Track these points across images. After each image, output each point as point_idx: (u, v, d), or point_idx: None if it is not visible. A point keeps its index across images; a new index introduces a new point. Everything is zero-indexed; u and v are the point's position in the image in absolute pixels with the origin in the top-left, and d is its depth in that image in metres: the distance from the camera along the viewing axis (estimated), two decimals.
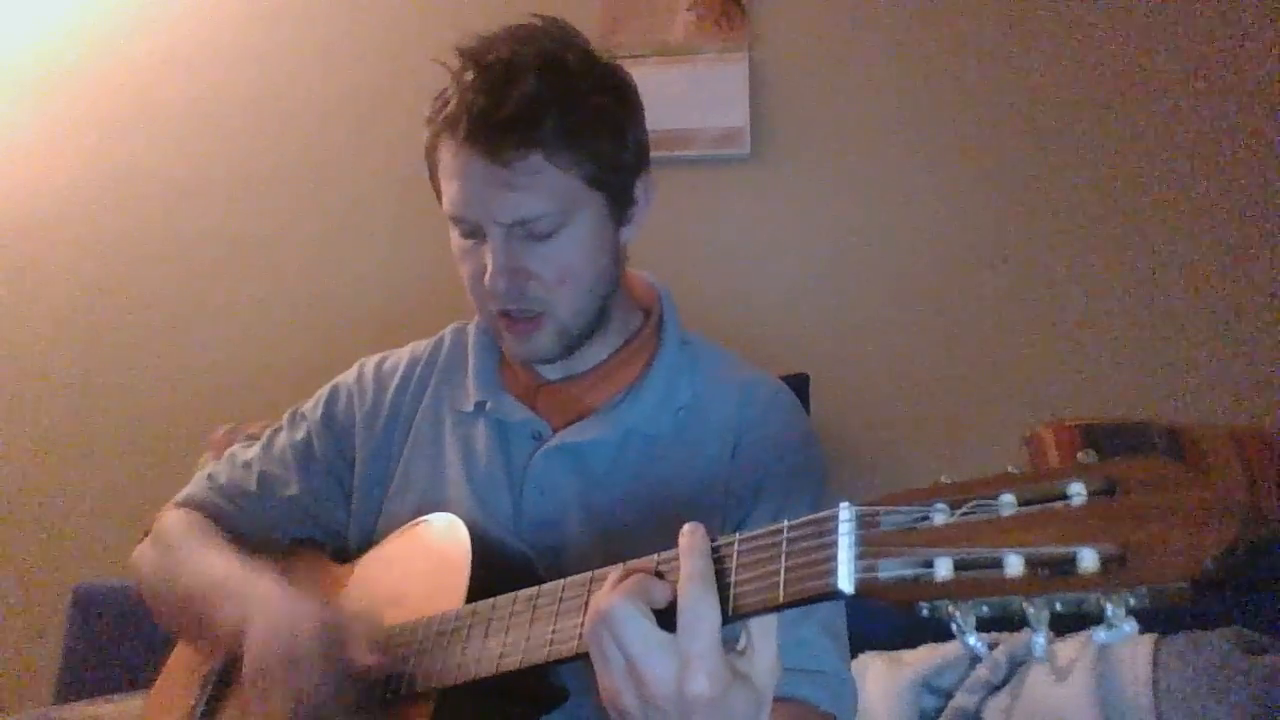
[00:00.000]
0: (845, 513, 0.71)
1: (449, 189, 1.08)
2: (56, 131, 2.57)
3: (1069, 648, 1.65)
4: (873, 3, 2.40)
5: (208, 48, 2.56)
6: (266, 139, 2.54)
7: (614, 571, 0.81)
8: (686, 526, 0.79)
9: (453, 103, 1.06)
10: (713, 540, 0.79)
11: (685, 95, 2.36)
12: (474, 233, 1.09)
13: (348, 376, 1.33)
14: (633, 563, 0.83)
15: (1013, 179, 2.35)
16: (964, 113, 2.37)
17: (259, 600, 1.04)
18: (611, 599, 0.76)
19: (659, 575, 0.79)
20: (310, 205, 2.52)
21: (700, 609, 0.74)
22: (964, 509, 0.65)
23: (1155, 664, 1.58)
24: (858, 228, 2.39)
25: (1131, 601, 0.58)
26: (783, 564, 0.74)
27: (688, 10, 2.40)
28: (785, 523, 0.76)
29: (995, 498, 0.64)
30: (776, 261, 2.40)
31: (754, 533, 0.78)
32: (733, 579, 0.76)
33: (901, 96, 2.39)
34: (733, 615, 0.75)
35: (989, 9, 2.37)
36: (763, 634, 0.76)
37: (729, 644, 0.76)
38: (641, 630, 0.74)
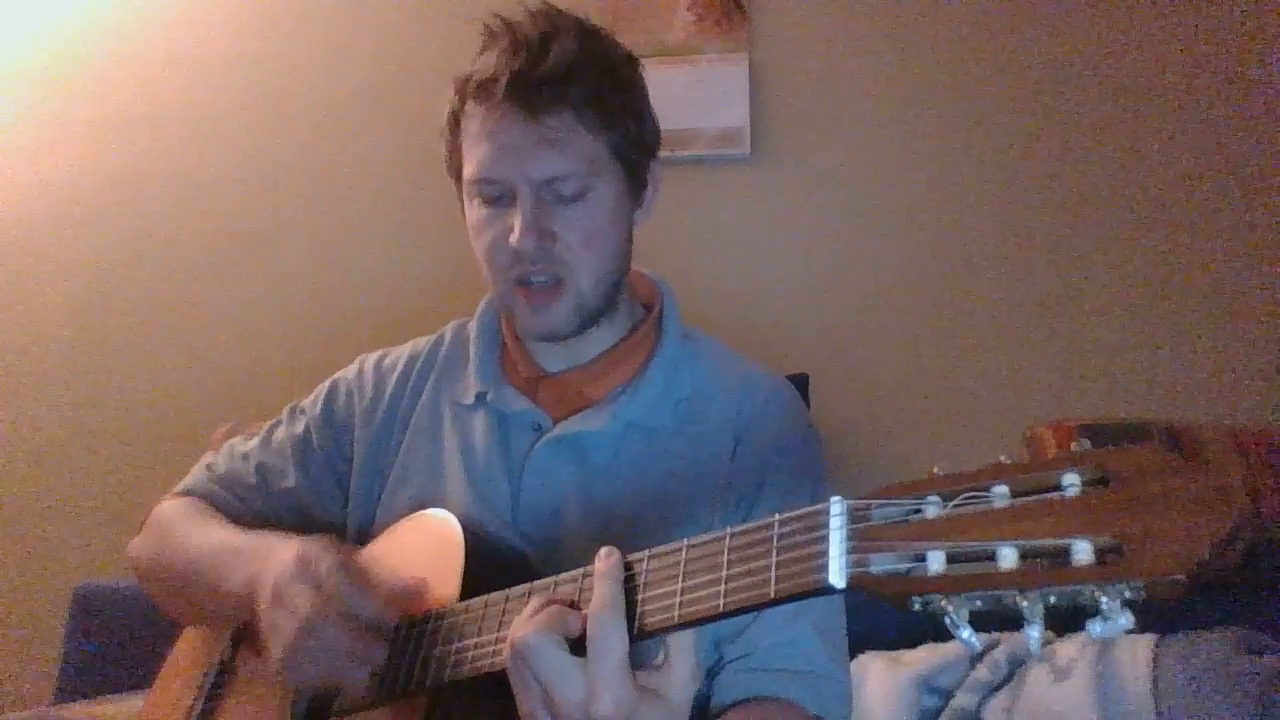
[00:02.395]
0: (836, 507, 0.71)
1: (478, 153, 1.10)
2: (56, 131, 2.57)
3: (1069, 647, 1.65)
4: (873, 3, 2.40)
5: (208, 48, 2.56)
6: (267, 139, 2.54)
7: (533, 600, 0.85)
8: (603, 551, 0.84)
9: (488, 68, 1.09)
10: (628, 561, 0.84)
11: (685, 95, 2.36)
12: (500, 197, 1.10)
13: (348, 372, 1.33)
14: (561, 576, 0.89)
15: (1013, 179, 2.34)
16: (964, 113, 2.36)
17: (265, 554, 1.04)
18: (526, 631, 0.81)
19: (573, 605, 0.85)
20: (310, 205, 2.52)
21: (607, 635, 0.79)
22: (956, 501, 0.65)
23: (1155, 664, 1.58)
24: (858, 228, 2.39)
25: (1127, 594, 0.57)
26: (774, 559, 0.74)
27: (688, 10, 2.40)
28: (776, 517, 0.76)
29: (988, 489, 0.64)
30: (776, 261, 2.40)
31: (745, 528, 0.78)
32: (640, 596, 0.81)
33: (901, 96, 2.39)
34: (639, 634, 0.80)
35: (989, 9, 2.37)
36: (680, 649, 0.81)
37: (648, 661, 0.81)
38: (553, 659, 0.79)
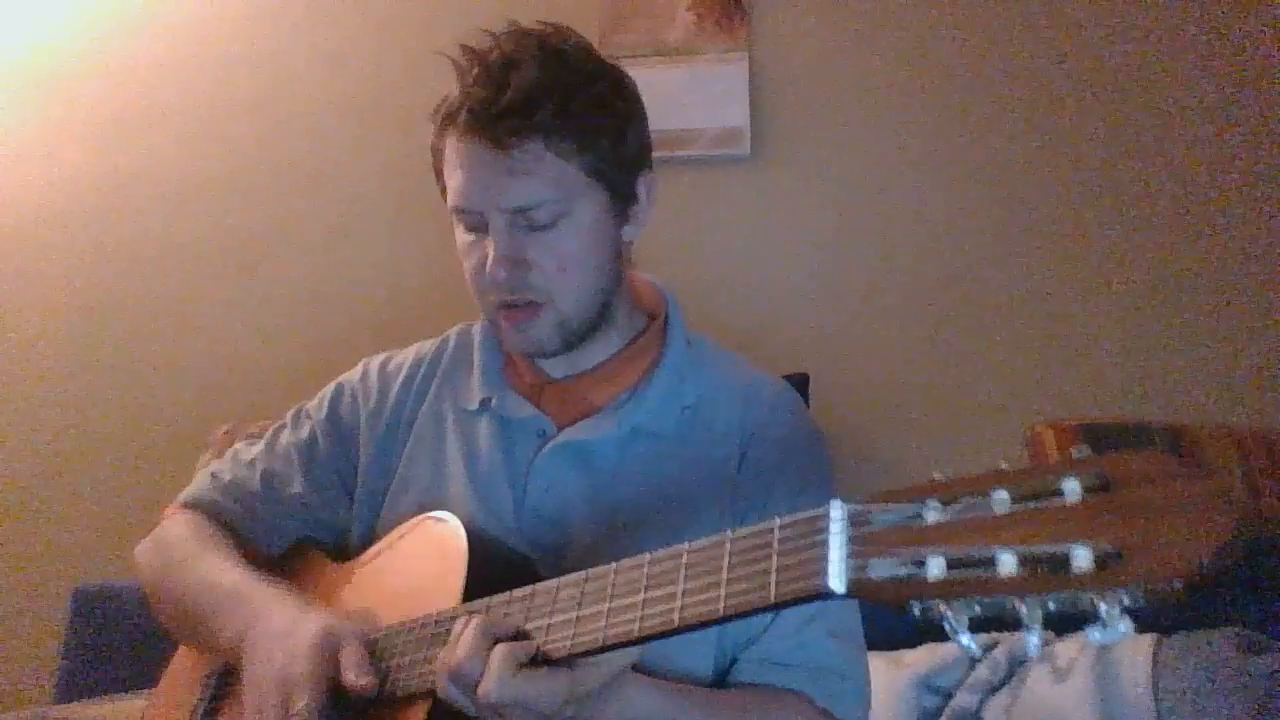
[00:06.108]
0: (837, 511, 0.71)
1: (453, 181, 1.10)
2: (56, 132, 2.57)
3: (1069, 648, 1.65)
4: (873, 3, 2.40)
5: (208, 49, 2.56)
6: (266, 140, 2.54)
7: (493, 657, 0.86)
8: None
9: (453, 100, 1.09)
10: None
11: (685, 95, 2.36)
12: (478, 225, 1.10)
13: (352, 376, 1.33)
14: (494, 599, 0.95)
15: (1013, 179, 2.34)
16: (964, 112, 2.36)
17: (257, 613, 1.04)
18: (491, 686, 0.84)
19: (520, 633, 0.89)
20: (310, 205, 2.52)
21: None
22: (956, 506, 0.65)
23: (1155, 664, 1.58)
24: (858, 228, 2.38)
25: (1126, 600, 0.57)
26: (774, 563, 0.74)
27: (688, 10, 2.39)
28: (777, 521, 0.76)
29: (988, 495, 0.64)
30: (776, 261, 2.40)
31: (745, 532, 0.78)
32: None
33: (901, 96, 2.38)
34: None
35: (989, 9, 2.37)
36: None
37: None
38: (530, 690, 0.84)
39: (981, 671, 1.67)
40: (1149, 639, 1.62)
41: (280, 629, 1.01)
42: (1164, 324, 2.27)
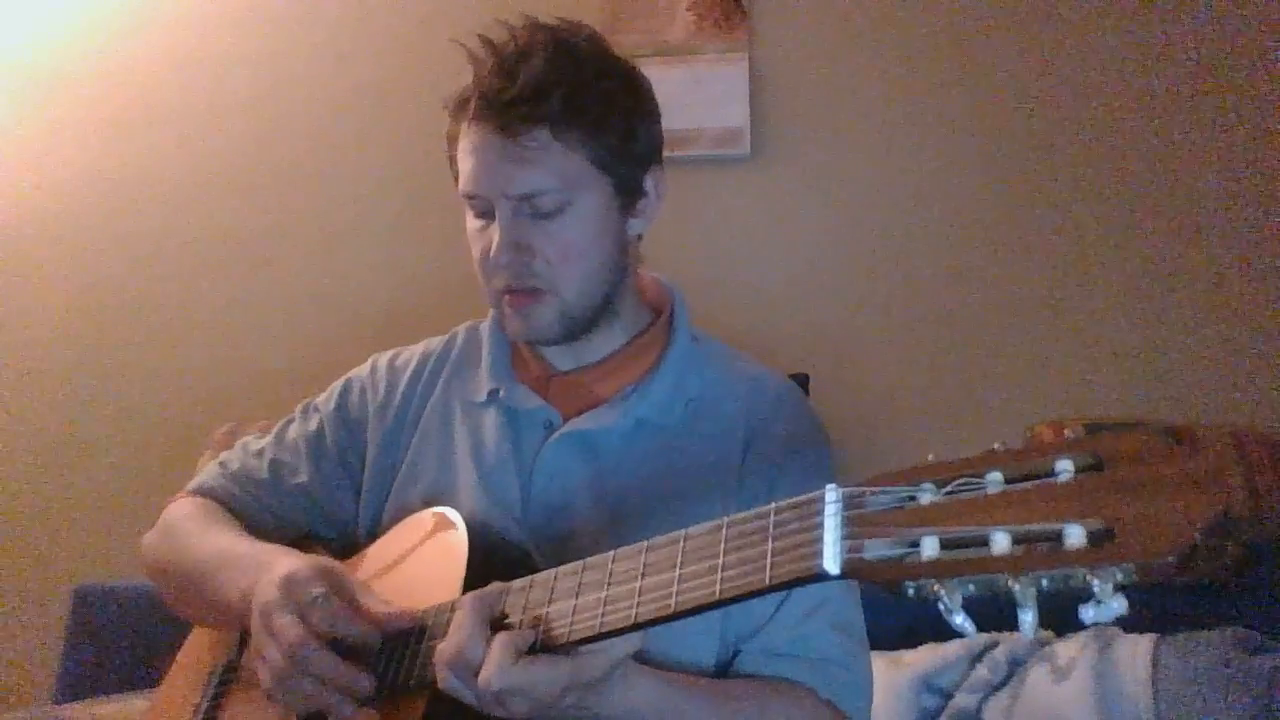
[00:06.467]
0: (831, 494, 0.72)
1: (464, 169, 1.13)
2: (56, 132, 2.58)
3: (1069, 647, 1.64)
4: (873, 4, 2.40)
5: (208, 48, 2.57)
6: (267, 139, 2.54)
7: (493, 645, 0.86)
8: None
9: (466, 89, 1.12)
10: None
11: (685, 95, 2.37)
12: (485, 212, 1.13)
13: (361, 370, 1.34)
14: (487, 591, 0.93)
15: (1013, 179, 2.35)
16: (964, 112, 2.37)
17: (265, 567, 1.05)
18: (492, 673, 0.85)
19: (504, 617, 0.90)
20: (311, 205, 2.53)
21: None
22: (950, 488, 0.66)
23: (1155, 664, 1.58)
24: (858, 228, 2.39)
25: (1119, 577, 0.57)
26: (769, 546, 0.74)
27: (688, 10, 2.40)
28: (773, 506, 0.77)
29: (982, 476, 0.65)
30: (776, 261, 2.40)
31: (742, 516, 0.79)
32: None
33: (901, 96, 2.39)
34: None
35: (989, 9, 2.37)
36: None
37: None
38: (532, 678, 0.85)
39: (981, 671, 1.67)
40: (1149, 639, 1.62)
41: (287, 565, 1.02)
42: (1164, 324, 2.28)
